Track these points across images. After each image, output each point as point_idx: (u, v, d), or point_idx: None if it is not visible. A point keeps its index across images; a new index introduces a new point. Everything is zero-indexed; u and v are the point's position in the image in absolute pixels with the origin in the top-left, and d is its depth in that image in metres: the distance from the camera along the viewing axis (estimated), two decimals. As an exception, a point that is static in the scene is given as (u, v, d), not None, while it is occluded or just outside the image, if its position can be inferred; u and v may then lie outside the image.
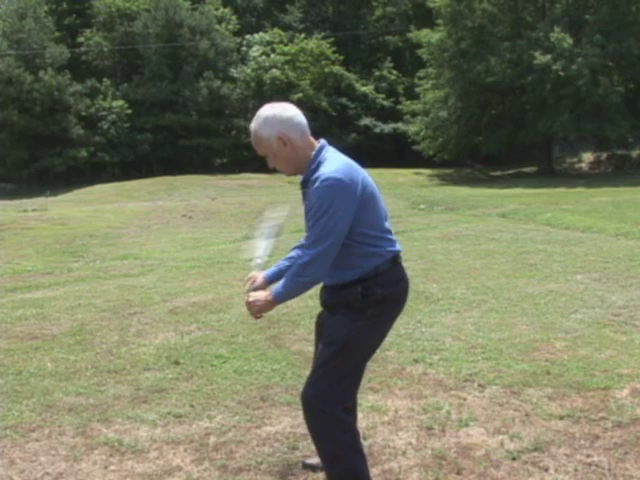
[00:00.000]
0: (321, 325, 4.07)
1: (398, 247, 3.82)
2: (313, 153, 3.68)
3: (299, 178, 3.77)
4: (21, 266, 13.22)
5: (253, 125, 3.68)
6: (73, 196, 37.97)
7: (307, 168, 3.66)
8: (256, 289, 3.87)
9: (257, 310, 3.74)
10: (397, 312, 3.87)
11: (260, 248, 4.14)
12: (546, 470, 4.23)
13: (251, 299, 3.74)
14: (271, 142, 3.63)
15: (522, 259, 11.77)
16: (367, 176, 3.71)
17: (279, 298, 3.68)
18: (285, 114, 3.66)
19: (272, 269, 3.99)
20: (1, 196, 43.38)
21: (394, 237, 3.83)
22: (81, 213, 24.67)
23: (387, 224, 3.80)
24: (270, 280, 3.95)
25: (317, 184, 3.50)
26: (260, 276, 3.95)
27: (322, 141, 3.75)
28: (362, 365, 3.85)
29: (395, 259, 3.78)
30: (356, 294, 3.66)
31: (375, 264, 3.68)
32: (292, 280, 3.62)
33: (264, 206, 4.30)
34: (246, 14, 63.11)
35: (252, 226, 4.02)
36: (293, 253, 4.00)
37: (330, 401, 3.68)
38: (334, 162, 3.59)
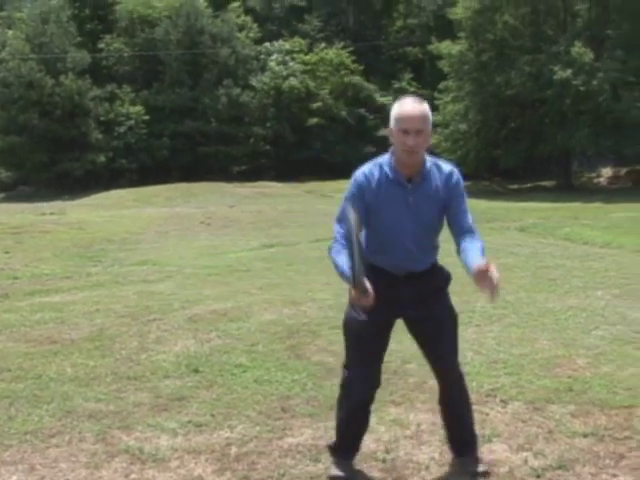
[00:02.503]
0: (388, 325, 4.35)
1: None
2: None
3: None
4: (39, 269, 13.25)
5: (424, 106, 4.08)
6: (91, 201, 38.10)
7: (419, 164, 4.14)
8: None
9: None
10: None
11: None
12: (571, 489, 4.19)
13: (496, 279, 3.92)
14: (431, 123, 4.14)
15: (542, 274, 11.70)
16: None
17: None
18: None
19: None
20: (20, 199, 43.65)
21: None
22: (99, 218, 24.74)
23: None
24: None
25: (456, 177, 4.20)
26: None
27: None
28: None
29: None
30: (449, 273, 4.57)
31: None
32: (484, 252, 4.25)
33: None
34: (267, 22, 63.20)
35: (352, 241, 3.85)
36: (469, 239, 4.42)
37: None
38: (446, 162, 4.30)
